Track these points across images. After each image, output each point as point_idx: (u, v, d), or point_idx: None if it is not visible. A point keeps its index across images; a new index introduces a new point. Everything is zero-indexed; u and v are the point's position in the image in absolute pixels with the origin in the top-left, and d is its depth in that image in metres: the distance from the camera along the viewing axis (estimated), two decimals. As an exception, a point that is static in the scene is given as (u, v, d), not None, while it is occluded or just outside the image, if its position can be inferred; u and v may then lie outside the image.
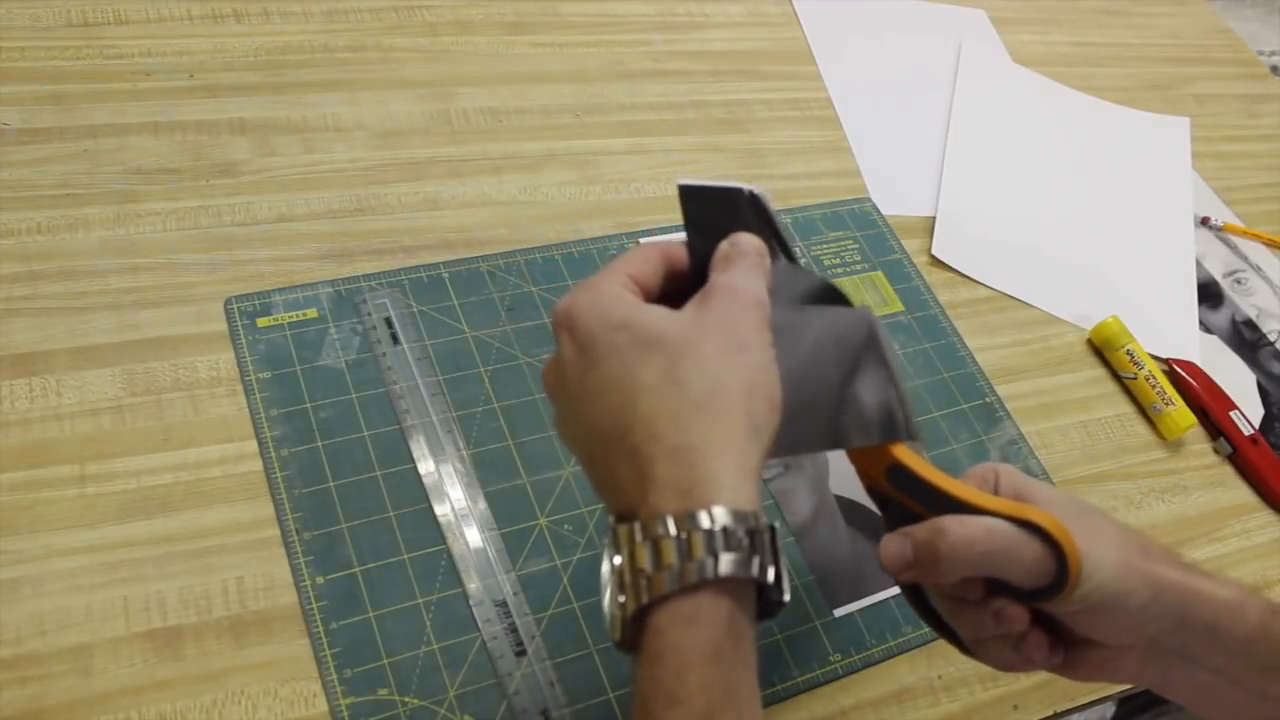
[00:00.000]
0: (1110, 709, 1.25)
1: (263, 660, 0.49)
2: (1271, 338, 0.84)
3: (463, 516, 0.55)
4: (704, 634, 0.33)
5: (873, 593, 0.59)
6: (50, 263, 0.58)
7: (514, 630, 0.52)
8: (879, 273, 0.75)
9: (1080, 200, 0.89)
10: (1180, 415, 0.72)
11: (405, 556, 0.53)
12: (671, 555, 0.33)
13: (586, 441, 0.38)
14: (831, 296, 0.43)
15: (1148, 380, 0.73)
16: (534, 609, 0.53)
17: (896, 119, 0.89)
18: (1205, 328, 0.83)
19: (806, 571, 0.59)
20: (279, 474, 0.54)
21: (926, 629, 0.58)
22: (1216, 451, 0.74)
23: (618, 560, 0.34)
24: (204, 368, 0.57)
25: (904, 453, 0.41)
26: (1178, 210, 0.91)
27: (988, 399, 0.70)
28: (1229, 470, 0.73)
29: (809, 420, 0.40)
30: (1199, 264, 0.87)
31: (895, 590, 0.59)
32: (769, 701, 0.54)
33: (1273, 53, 1.28)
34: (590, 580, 0.55)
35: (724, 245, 0.40)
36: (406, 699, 0.49)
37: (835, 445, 0.41)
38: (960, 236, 0.79)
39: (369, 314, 0.61)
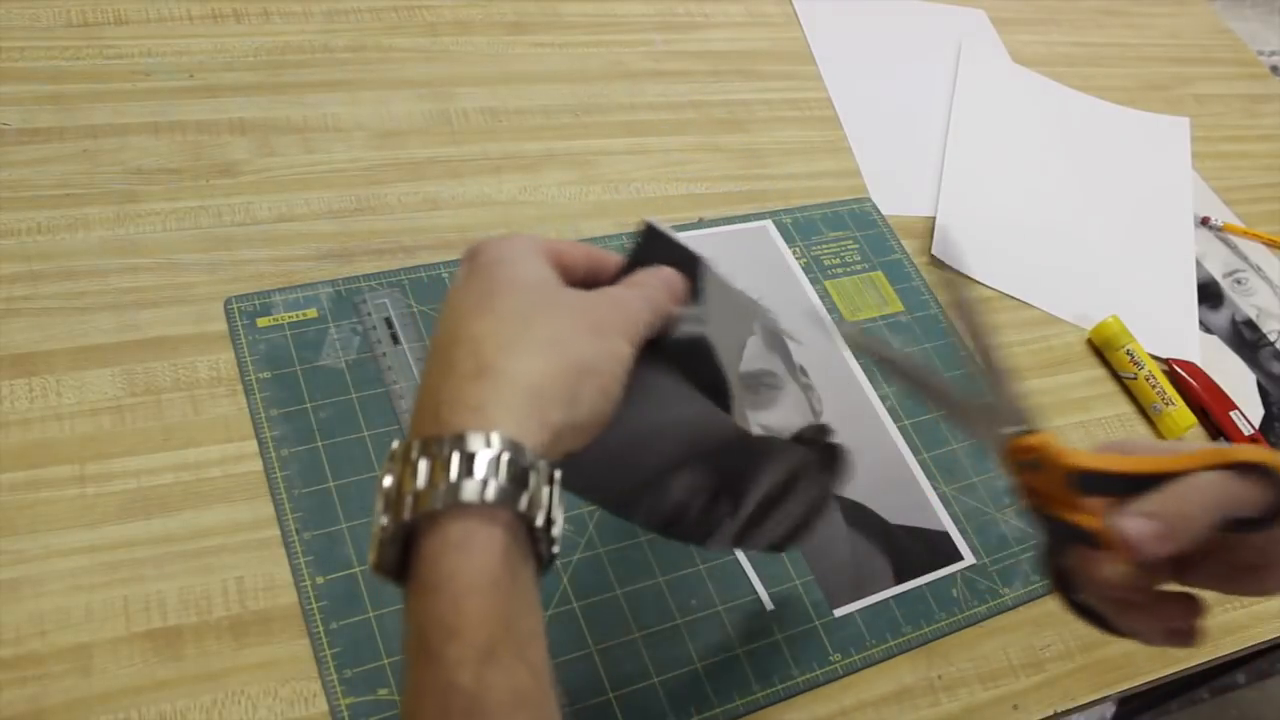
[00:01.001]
0: (1110, 709, 1.26)
1: (263, 660, 0.49)
2: (1271, 338, 0.84)
3: (463, 516, 0.55)
4: (478, 561, 0.31)
5: (873, 592, 0.59)
6: (50, 263, 0.58)
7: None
8: (879, 273, 0.75)
9: (1080, 200, 0.89)
10: (1180, 415, 0.72)
11: (405, 556, 0.53)
12: (441, 475, 0.32)
13: (428, 358, 0.37)
14: (719, 394, 0.43)
15: (1148, 380, 0.73)
16: (534, 609, 0.53)
17: (896, 119, 0.89)
18: (1205, 328, 0.83)
19: (807, 571, 0.59)
20: (279, 474, 0.54)
21: (927, 629, 0.58)
22: (1216, 451, 0.73)
23: (388, 481, 0.33)
24: (204, 368, 0.57)
25: (1085, 456, 0.40)
26: (1178, 210, 0.91)
27: (988, 399, 0.70)
28: (1229, 470, 0.72)
29: (611, 475, 0.42)
30: (1199, 264, 0.87)
31: (895, 590, 0.59)
32: (769, 701, 0.54)
33: (1273, 53, 1.29)
34: (591, 580, 0.55)
35: (645, 270, 0.41)
36: (406, 699, 0.49)
37: (616, 511, 0.44)
38: (960, 236, 0.79)
39: (369, 314, 0.61)
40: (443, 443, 0.32)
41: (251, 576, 0.51)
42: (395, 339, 0.61)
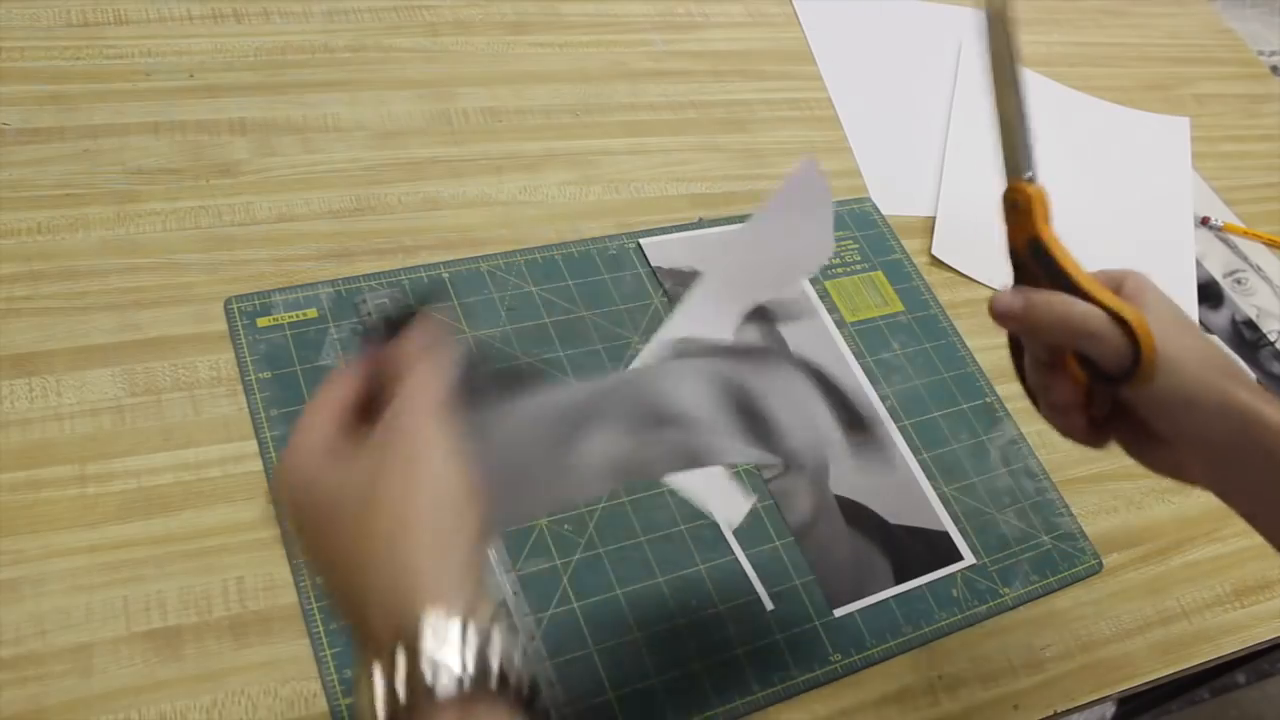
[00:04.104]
0: (1110, 709, 1.26)
1: (263, 660, 0.49)
2: (1271, 338, 0.84)
3: (463, 516, 0.55)
4: None
5: (873, 592, 0.59)
6: (50, 263, 0.58)
7: (514, 630, 0.52)
8: (879, 273, 0.75)
9: (1080, 200, 0.89)
10: (1180, 415, 0.72)
11: (405, 556, 0.53)
12: (400, 691, 0.32)
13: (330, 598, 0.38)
14: (527, 379, 0.45)
15: (1148, 380, 0.73)
16: (534, 609, 0.53)
17: (896, 119, 0.89)
18: (1205, 328, 0.83)
19: (807, 571, 0.59)
20: (279, 474, 0.54)
21: (927, 629, 0.58)
22: (1216, 451, 0.74)
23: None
24: (204, 368, 0.57)
25: (1048, 234, 0.49)
26: (1178, 210, 0.91)
27: (988, 399, 0.70)
28: (1229, 470, 0.73)
29: (531, 488, 0.43)
30: (1199, 264, 0.87)
31: (895, 590, 0.59)
32: (769, 701, 0.54)
33: (1273, 53, 1.29)
34: (591, 580, 0.55)
35: (395, 355, 0.39)
36: (406, 699, 0.49)
37: (561, 507, 0.47)
38: (960, 236, 0.79)
39: (369, 314, 0.61)
40: (393, 658, 0.32)
41: (251, 576, 0.51)
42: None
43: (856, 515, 0.62)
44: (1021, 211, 0.51)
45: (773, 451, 0.49)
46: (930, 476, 0.65)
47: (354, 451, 0.36)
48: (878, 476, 0.63)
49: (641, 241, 0.70)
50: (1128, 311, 0.43)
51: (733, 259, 0.68)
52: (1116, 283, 0.47)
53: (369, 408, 0.38)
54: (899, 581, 0.60)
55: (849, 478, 0.63)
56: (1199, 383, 0.43)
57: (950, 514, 0.63)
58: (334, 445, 0.37)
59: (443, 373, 0.39)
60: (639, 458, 0.45)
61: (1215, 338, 0.82)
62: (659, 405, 0.46)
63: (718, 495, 0.60)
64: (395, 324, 0.40)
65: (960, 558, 0.62)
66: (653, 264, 0.69)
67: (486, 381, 0.42)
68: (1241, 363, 0.81)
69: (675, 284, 0.68)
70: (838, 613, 0.58)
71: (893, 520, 0.62)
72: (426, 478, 0.36)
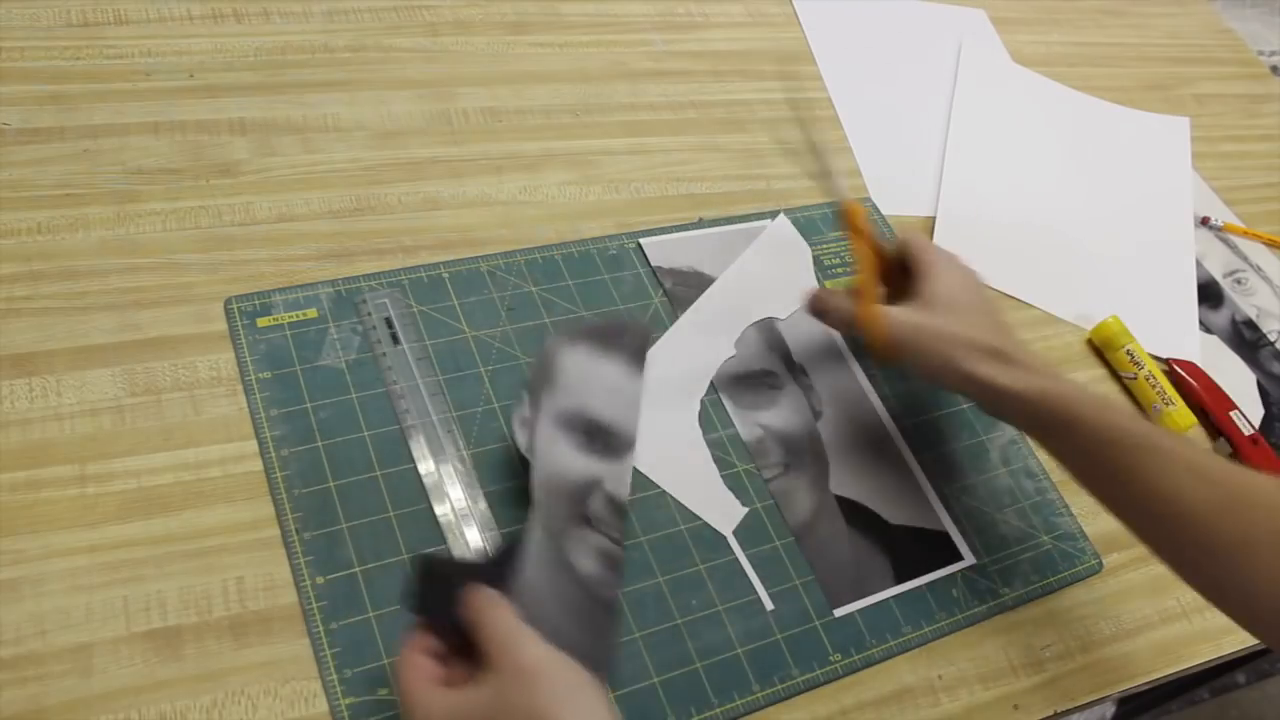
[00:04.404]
0: (1110, 709, 1.26)
1: (263, 660, 0.49)
2: (1271, 338, 0.84)
3: (463, 516, 0.55)
4: None
5: (873, 592, 0.59)
6: (50, 263, 0.58)
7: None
8: (879, 273, 0.75)
9: (1080, 200, 0.89)
10: (1180, 415, 0.72)
11: (405, 557, 0.53)
12: None
13: None
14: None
15: (1148, 380, 0.73)
16: (534, 609, 0.53)
17: (896, 119, 0.89)
18: (1205, 328, 0.83)
19: (807, 571, 0.59)
20: (279, 474, 0.54)
21: (927, 629, 0.58)
22: (1216, 451, 0.74)
23: None
24: (204, 368, 0.57)
25: (854, 240, 0.64)
26: (1178, 210, 0.91)
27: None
28: (1229, 470, 0.73)
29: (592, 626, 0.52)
30: (1199, 264, 0.87)
31: (895, 590, 0.59)
32: (769, 701, 0.54)
33: (1273, 53, 1.29)
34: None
35: (471, 613, 0.44)
36: (406, 699, 0.49)
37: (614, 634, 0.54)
38: (960, 236, 0.79)
39: (369, 314, 0.61)
40: None
41: (251, 576, 0.51)
42: (395, 339, 0.61)
43: (856, 515, 0.62)
44: (850, 222, 0.64)
45: (627, 443, 0.58)
46: (930, 476, 0.65)
47: (465, 680, 0.43)
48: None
49: (642, 241, 0.70)
50: (865, 315, 0.60)
51: (716, 297, 0.69)
52: (914, 258, 0.62)
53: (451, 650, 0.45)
54: (899, 581, 0.60)
55: (849, 478, 0.63)
56: (939, 362, 0.57)
57: (950, 514, 0.63)
58: (442, 676, 0.44)
59: (500, 601, 0.45)
60: (603, 546, 0.54)
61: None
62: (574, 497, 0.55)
63: (712, 503, 0.60)
64: (435, 579, 0.47)
65: (960, 558, 0.62)
66: (653, 264, 0.69)
67: (503, 575, 0.48)
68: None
69: (675, 284, 0.69)
70: (838, 613, 0.58)
71: (893, 520, 0.62)
72: (559, 685, 0.41)
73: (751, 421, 0.64)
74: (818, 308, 0.64)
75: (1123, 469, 0.52)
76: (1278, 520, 0.47)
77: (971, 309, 0.59)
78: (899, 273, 0.63)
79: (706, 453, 0.62)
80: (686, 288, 0.69)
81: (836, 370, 0.68)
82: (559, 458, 0.55)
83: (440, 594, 0.46)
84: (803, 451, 0.63)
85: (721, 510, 0.60)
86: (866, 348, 0.62)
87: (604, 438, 0.57)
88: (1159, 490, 0.50)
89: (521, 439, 0.55)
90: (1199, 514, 0.49)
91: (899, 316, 0.59)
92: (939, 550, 0.62)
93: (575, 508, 0.55)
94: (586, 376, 0.59)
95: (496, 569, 0.48)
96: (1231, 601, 0.50)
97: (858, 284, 0.62)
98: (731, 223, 0.74)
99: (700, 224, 0.73)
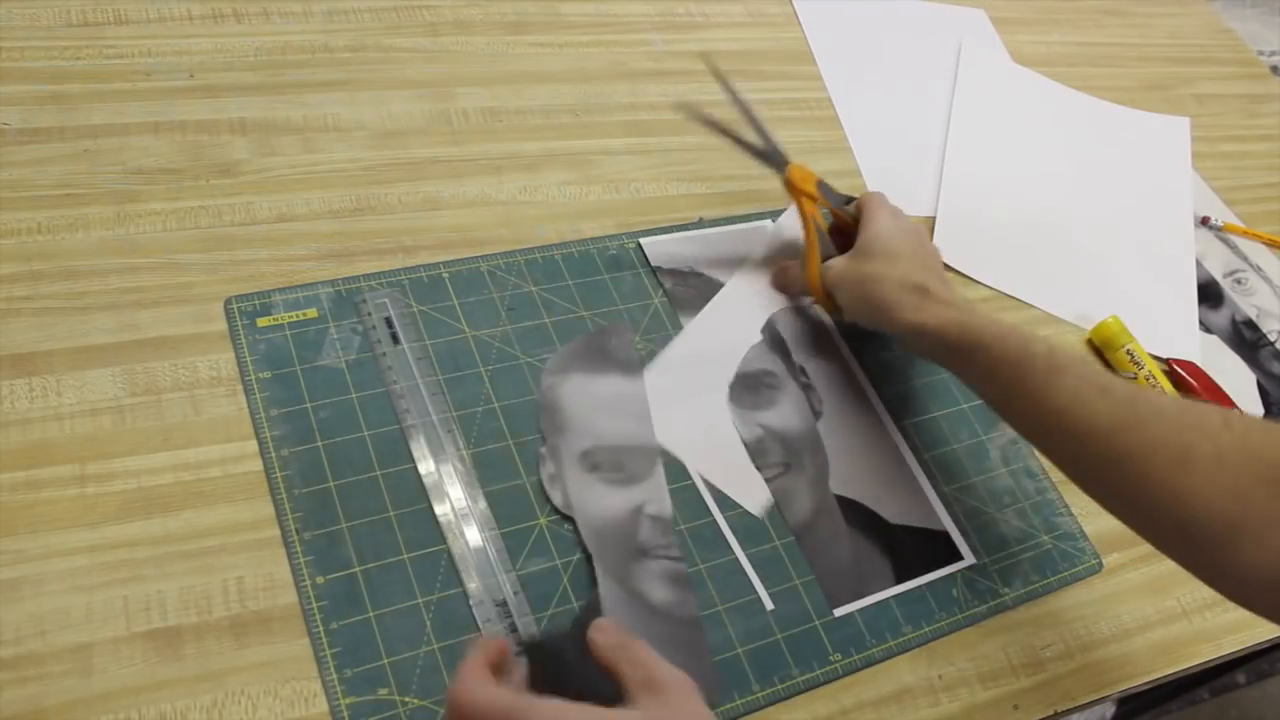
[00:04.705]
0: (1110, 709, 1.26)
1: (263, 660, 0.49)
2: (1271, 338, 0.84)
3: (463, 516, 0.55)
4: None
5: (873, 592, 0.59)
6: (50, 263, 0.58)
7: (514, 630, 0.52)
8: (879, 273, 0.75)
9: (1080, 200, 0.89)
10: (1180, 415, 0.72)
11: (405, 556, 0.53)
12: None
13: None
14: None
15: (1148, 380, 0.73)
16: (534, 609, 0.53)
17: (896, 119, 0.89)
18: (1205, 328, 0.83)
19: (807, 571, 0.59)
20: (279, 474, 0.54)
21: (927, 629, 0.58)
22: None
23: None
24: (204, 368, 0.57)
25: (801, 204, 0.68)
26: (1178, 210, 0.91)
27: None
28: (1229, 470, 0.72)
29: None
30: (1199, 264, 0.87)
31: (895, 590, 0.59)
32: (769, 701, 0.54)
33: (1273, 53, 1.28)
34: (591, 580, 0.55)
35: (606, 651, 0.44)
36: (406, 699, 0.49)
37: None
38: (960, 236, 0.79)
39: (369, 314, 0.61)
40: None
41: (251, 576, 0.51)
42: (395, 339, 0.61)
43: (857, 515, 0.62)
44: (793, 183, 0.69)
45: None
46: (930, 476, 0.65)
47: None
48: None
49: (641, 241, 0.70)
50: (808, 273, 0.67)
51: (742, 283, 0.71)
52: (860, 215, 0.67)
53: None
54: (899, 581, 0.60)
55: (849, 478, 0.63)
56: (864, 305, 0.63)
57: (950, 514, 0.63)
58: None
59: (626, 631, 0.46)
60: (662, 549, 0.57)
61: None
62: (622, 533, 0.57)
63: (743, 485, 0.61)
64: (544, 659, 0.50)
65: (960, 558, 0.62)
66: (653, 264, 0.69)
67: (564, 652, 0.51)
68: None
69: (675, 284, 0.69)
70: (838, 612, 0.58)
71: (893, 520, 0.62)
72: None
73: (752, 421, 0.64)
74: (779, 282, 0.70)
75: (1032, 390, 0.54)
76: (1175, 433, 0.49)
77: (901, 253, 0.63)
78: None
79: (736, 435, 0.63)
80: (686, 288, 0.69)
81: (836, 370, 0.68)
82: (597, 502, 0.57)
83: (553, 665, 0.49)
84: (803, 451, 0.64)
85: (751, 492, 0.60)
86: (816, 303, 0.69)
87: (629, 460, 0.59)
88: (1066, 407, 0.53)
89: (557, 497, 0.57)
90: (1102, 428, 0.51)
91: (834, 267, 0.65)
92: (939, 550, 0.62)
93: (628, 543, 0.56)
94: (589, 403, 0.60)
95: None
96: (1131, 511, 0.52)
97: (805, 245, 0.67)
98: (732, 223, 0.74)
99: (700, 224, 0.73)
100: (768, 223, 0.75)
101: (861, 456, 0.65)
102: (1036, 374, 0.54)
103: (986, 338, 0.57)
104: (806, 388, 0.67)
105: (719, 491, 0.60)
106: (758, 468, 0.62)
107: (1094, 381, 0.53)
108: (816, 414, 0.66)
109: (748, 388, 0.65)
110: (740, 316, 0.69)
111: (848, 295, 0.64)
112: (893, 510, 0.63)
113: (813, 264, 0.66)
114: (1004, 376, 0.56)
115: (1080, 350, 0.77)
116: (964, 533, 0.63)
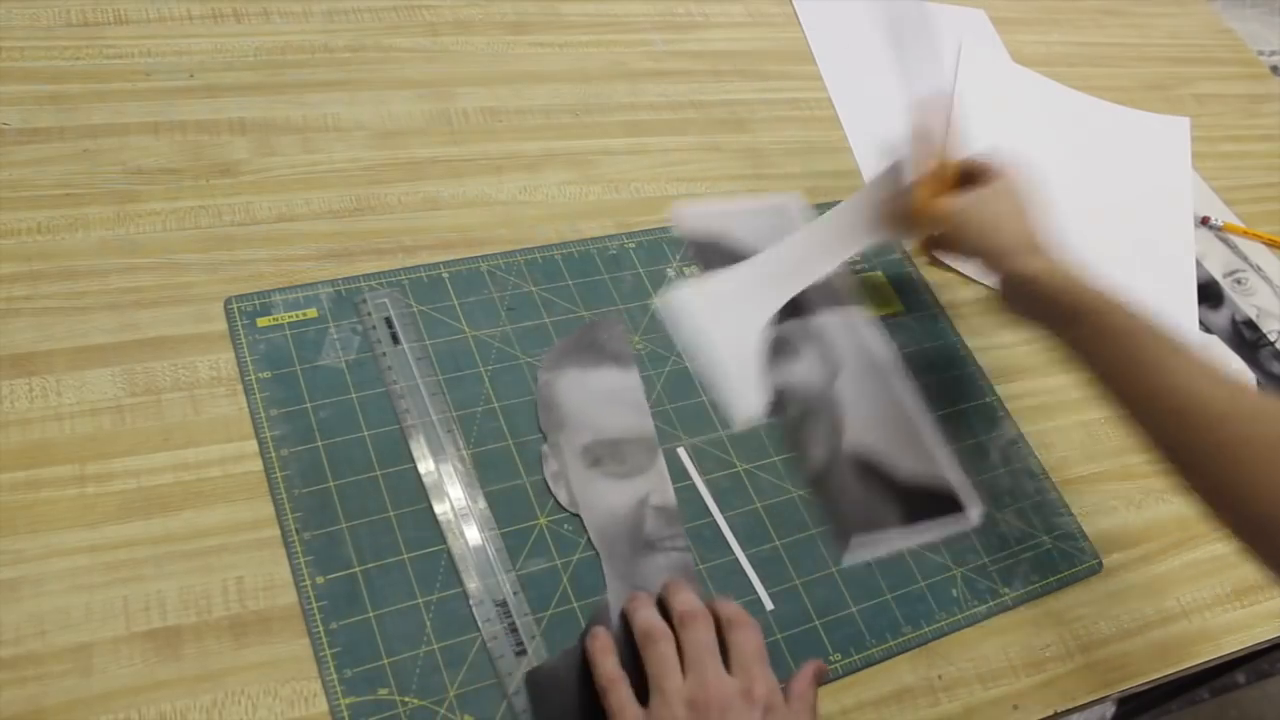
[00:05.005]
0: (1110, 709, 1.26)
1: (263, 660, 0.49)
2: (1271, 338, 0.84)
3: (463, 516, 0.55)
4: None
5: (881, 529, 0.60)
6: (50, 263, 0.58)
7: (514, 630, 0.52)
8: (879, 273, 0.75)
9: (1080, 200, 0.88)
10: (1180, 415, 0.72)
11: (405, 556, 0.53)
12: None
13: None
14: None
15: (1148, 380, 0.73)
16: (534, 609, 0.53)
17: (896, 119, 0.89)
18: (1205, 328, 0.83)
19: (807, 571, 0.59)
20: (279, 474, 0.54)
21: (927, 629, 0.58)
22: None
23: None
24: (204, 368, 0.57)
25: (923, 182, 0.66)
26: (1178, 210, 0.91)
27: (988, 399, 0.70)
28: (1229, 470, 0.72)
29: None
30: (1199, 264, 0.87)
31: (896, 591, 0.59)
32: (769, 701, 0.54)
33: (1273, 53, 1.28)
34: (591, 580, 0.55)
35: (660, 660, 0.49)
36: (406, 699, 0.49)
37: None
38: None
39: (369, 314, 0.61)
40: None
41: (251, 576, 0.51)
42: (395, 339, 0.61)
43: (867, 469, 0.63)
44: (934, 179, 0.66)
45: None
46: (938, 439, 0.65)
47: None
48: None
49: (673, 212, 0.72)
50: (920, 200, 0.65)
51: (798, 242, 0.71)
52: (978, 164, 0.67)
53: None
54: (908, 524, 0.61)
55: (860, 434, 0.64)
56: (976, 242, 0.64)
57: (957, 475, 0.64)
58: None
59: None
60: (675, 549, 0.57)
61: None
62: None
63: (736, 389, 0.62)
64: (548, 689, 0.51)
65: (962, 508, 0.63)
66: (680, 231, 0.71)
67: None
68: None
69: (698, 253, 0.70)
70: (845, 560, 0.59)
71: (903, 478, 0.63)
72: None
73: (774, 377, 0.65)
74: (885, 209, 0.67)
75: (1142, 363, 0.54)
76: (1278, 431, 0.50)
77: (1031, 206, 0.64)
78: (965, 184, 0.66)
79: (757, 353, 0.64)
80: (707, 256, 0.70)
81: (852, 339, 0.68)
82: (602, 498, 0.57)
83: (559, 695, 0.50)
84: (820, 409, 0.65)
85: (746, 398, 0.62)
86: (916, 244, 0.71)
87: (630, 452, 0.59)
88: (1179, 387, 0.52)
89: (562, 495, 0.57)
90: (1210, 412, 0.51)
91: (962, 198, 0.64)
92: (946, 505, 0.63)
93: (635, 537, 0.56)
94: (586, 397, 0.60)
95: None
96: (1219, 499, 0.52)
97: (917, 181, 0.65)
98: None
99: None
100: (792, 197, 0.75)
101: (876, 417, 0.66)
102: (1148, 349, 0.54)
103: (1099, 303, 0.57)
104: (826, 351, 0.68)
105: (719, 491, 0.60)
106: (778, 421, 0.63)
107: (1209, 366, 0.53)
108: (833, 374, 0.67)
109: (770, 346, 0.66)
110: (778, 279, 0.69)
111: (971, 228, 0.64)
112: (904, 470, 0.64)
113: (934, 191, 0.65)
114: (1112, 346, 0.56)
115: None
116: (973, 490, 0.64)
